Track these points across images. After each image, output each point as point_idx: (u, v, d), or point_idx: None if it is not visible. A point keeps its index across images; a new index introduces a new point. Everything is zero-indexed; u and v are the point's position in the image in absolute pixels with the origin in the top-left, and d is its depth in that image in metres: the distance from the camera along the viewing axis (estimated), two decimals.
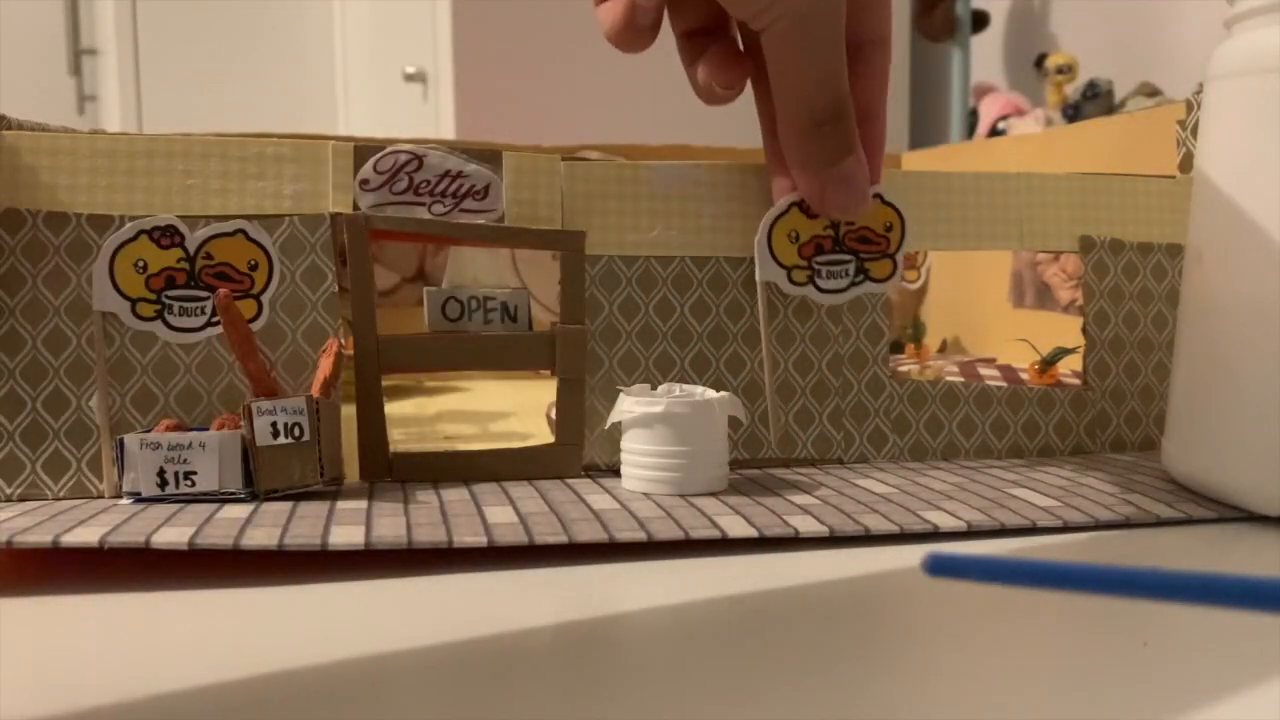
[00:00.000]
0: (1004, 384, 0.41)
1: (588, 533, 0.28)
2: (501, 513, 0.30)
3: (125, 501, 0.31)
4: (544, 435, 0.40)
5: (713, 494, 0.33)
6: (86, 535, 0.26)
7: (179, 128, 0.42)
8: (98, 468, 0.33)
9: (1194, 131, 0.44)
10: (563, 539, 0.28)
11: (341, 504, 0.31)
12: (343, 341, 0.35)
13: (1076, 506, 0.32)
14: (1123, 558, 0.28)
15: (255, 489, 0.31)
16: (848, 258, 0.38)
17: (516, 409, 0.52)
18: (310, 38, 2.77)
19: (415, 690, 0.20)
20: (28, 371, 0.33)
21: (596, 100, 1.73)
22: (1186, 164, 0.44)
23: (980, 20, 1.81)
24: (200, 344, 0.34)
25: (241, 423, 0.31)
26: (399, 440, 0.42)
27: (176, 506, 0.30)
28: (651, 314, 0.37)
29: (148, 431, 0.32)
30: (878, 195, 0.37)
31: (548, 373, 0.37)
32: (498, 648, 0.22)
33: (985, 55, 1.87)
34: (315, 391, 0.33)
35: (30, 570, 0.27)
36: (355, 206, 0.35)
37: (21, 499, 0.32)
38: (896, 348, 0.64)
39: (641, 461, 0.33)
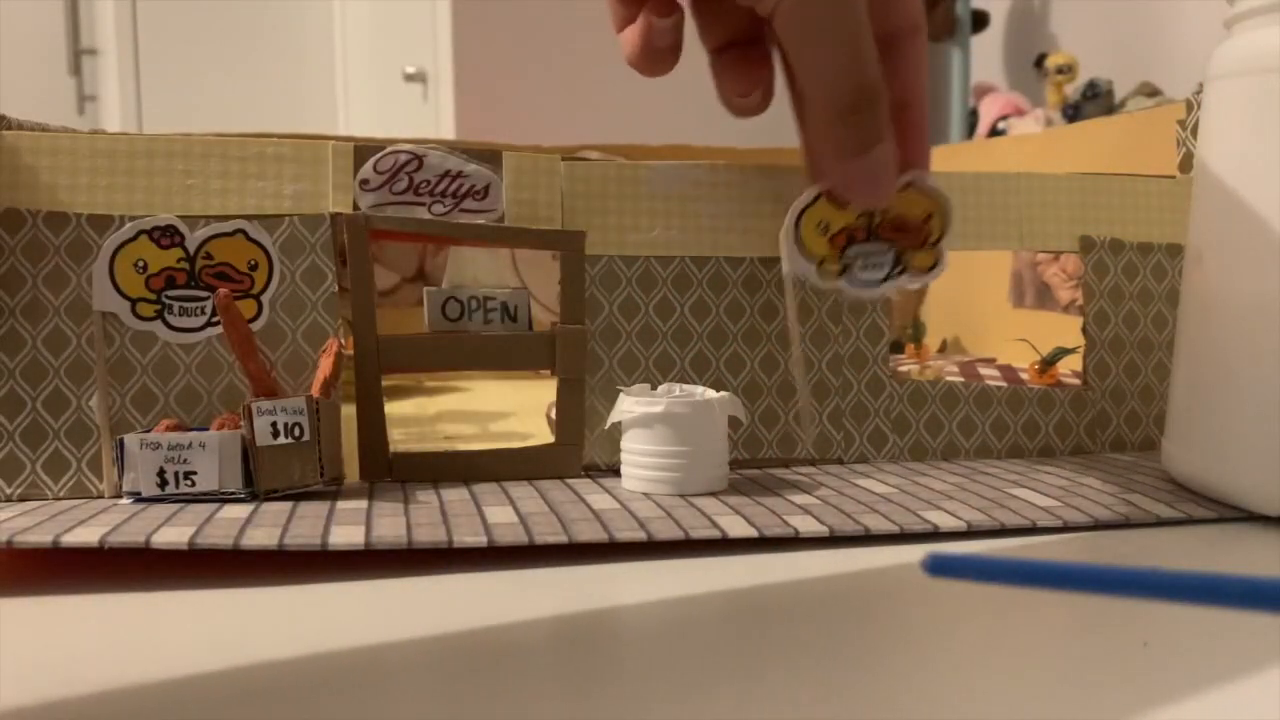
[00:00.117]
0: (1004, 384, 0.41)
1: (588, 533, 0.28)
2: (501, 513, 0.30)
3: (125, 501, 0.31)
4: (544, 435, 0.40)
5: (713, 494, 0.33)
6: (86, 535, 0.26)
7: (179, 128, 0.42)
8: (98, 468, 0.33)
9: (1194, 131, 0.44)
10: (563, 539, 0.28)
11: (341, 504, 0.31)
12: (343, 341, 0.35)
13: (1076, 506, 0.32)
14: (1123, 558, 0.28)
15: (255, 489, 0.31)
16: (885, 247, 0.36)
17: (516, 409, 0.52)
18: (310, 38, 2.77)
19: (415, 690, 0.20)
20: (28, 371, 0.33)
21: (596, 100, 1.73)
22: (1186, 164, 0.44)
23: (980, 20, 1.81)
24: (200, 344, 0.34)
25: (241, 423, 0.31)
26: (399, 440, 0.42)
27: (176, 506, 0.30)
28: (651, 314, 0.37)
29: (148, 431, 0.32)
30: (911, 183, 0.35)
31: (548, 373, 0.36)
32: (498, 647, 0.22)
33: (985, 55, 1.87)
34: (315, 391, 0.33)
35: (30, 570, 0.27)
36: (355, 206, 0.35)
37: (21, 499, 0.32)
38: (896, 348, 0.64)
39: (641, 461, 0.33)
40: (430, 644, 0.23)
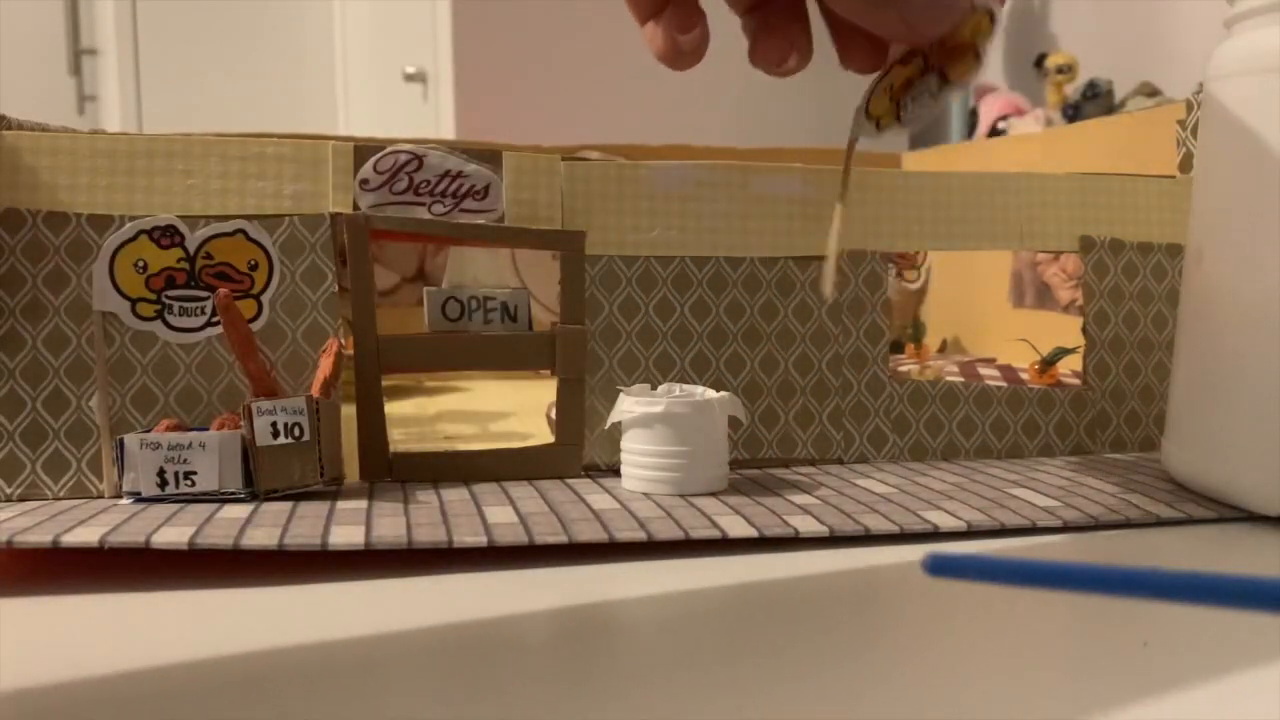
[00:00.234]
0: (1004, 384, 0.41)
1: (588, 533, 0.28)
2: (501, 513, 0.30)
3: (125, 501, 0.31)
4: (544, 435, 0.40)
5: (713, 494, 0.33)
6: (86, 535, 0.26)
7: (179, 128, 0.42)
8: (98, 468, 0.33)
9: (1194, 131, 0.44)
10: (563, 539, 0.28)
11: (341, 504, 0.31)
12: (343, 341, 0.35)
13: (1076, 506, 0.32)
14: (1123, 558, 0.28)
15: (255, 489, 0.31)
16: (932, 78, 0.34)
17: (516, 409, 0.52)
18: (310, 38, 2.77)
19: (416, 689, 0.20)
20: (28, 371, 0.33)
21: (596, 100, 1.73)
22: (1186, 164, 0.44)
23: None
24: (200, 344, 0.34)
25: (241, 423, 0.31)
26: (399, 440, 0.42)
27: (176, 506, 0.30)
28: (651, 314, 0.37)
29: (148, 431, 0.32)
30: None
31: (548, 373, 0.36)
32: (498, 647, 0.22)
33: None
34: (315, 391, 0.33)
35: (30, 570, 0.27)
36: (355, 206, 0.35)
37: (21, 499, 0.32)
38: (896, 348, 0.64)
39: (641, 461, 0.33)
40: (430, 644, 0.23)
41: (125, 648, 0.22)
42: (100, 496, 0.33)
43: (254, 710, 0.19)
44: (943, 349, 0.69)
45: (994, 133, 1.54)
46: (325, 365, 0.34)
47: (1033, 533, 0.31)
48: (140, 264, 0.33)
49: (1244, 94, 0.32)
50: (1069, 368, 0.49)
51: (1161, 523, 0.32)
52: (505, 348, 0.36)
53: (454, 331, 0.36)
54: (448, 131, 1.81)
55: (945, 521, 0.30)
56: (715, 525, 0.29)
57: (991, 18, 0.34)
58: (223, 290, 0.33)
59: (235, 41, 2.69)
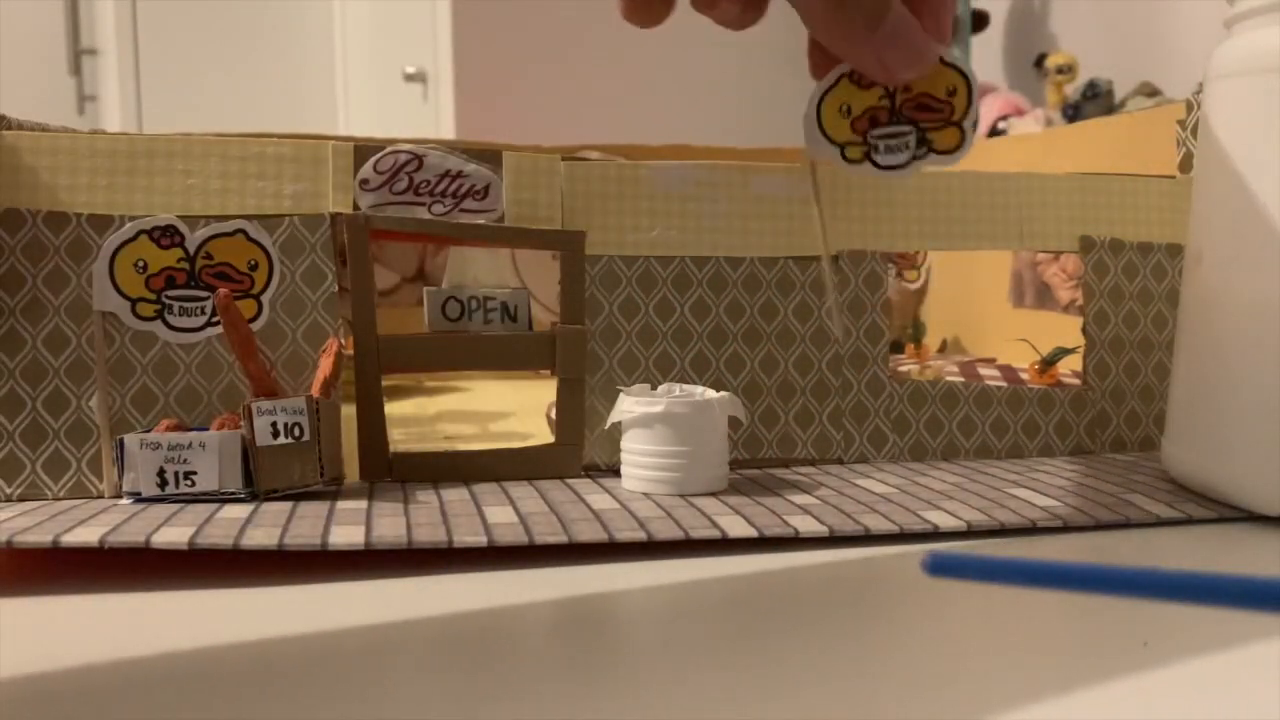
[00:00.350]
0: (1004, 384, 0.41)
1: (588, 533, 0.28)
2: (501, 513, 0.30)
3: (125, 501, 0.31)
4: (544, 435, 0.40)
5: (713, 494, 0.33)
6: (86, 535, 0.26)
7: (179, 128, 0.42)
8: (98, 468, 0.33)
9: (1194, 131, 0.44)
10: (563, 539, 0.28)
11: (341, 504, 0.31)
12: (343, 341, 0.35)
13: (1076, 506, 0.32)
14: (1123, 558, 0.28)
15: (255, 489, 0.31)
16: (907, 129, 0.35)
17: (516, 409, 0.52)
18: (310, 38, 2.77)
19: (415, 689, 0.20)
20: (28, 371, 0.33)
21: (596, 100, 1.73)
22: (1186, 164, 0.44)
23: (980, 20, 1.81)
24: (200, 344, 0.34)
25: (241, 423, 0.31)
26: (399, 440, 0.42)
27: (176, 506, 0.30)
28: (651, 314, 0.37)
29: (148, 431, 0.32)
30: (939, 59, 0.35)
31: (548, 373, 0.36)
32: (498, 647, 0.22)
33: (985, 55, 1.87)
34: (315, 391, 0.33)
35: (30, 570, 0.27)
36: (355, 206, 0.35)
37: (21, 499, 0.32)
38: (896, 348, 0.64)
39: (641, 461, 0.33)
40: (430, 643, 0.23)
41: (125, 648, 0.22)
42: (100, 496, 0.33)
43: (254, 710, 0.19)
44: (943, 349, 0.69)
45: (994, 133, 1.54)
46: (325, 365, 0.34)
47: (1033, 533, 0.31)
48: (140, 264, 0.33)
49: (1244, 94, 0.32)
50: (1069, 368, 0.49)
51: (1161, 523, 0.32)
52: (505, 348, 0.36)
53: (454, 331, 0.36)
54: (448, 131, 1.81)
55: (945, 521, 0.30)
56: (715, 525, 0.29)
57: (968, 80, 0.35)
58: (223, 290, 0.33)
59: (235, 41, 2.69)
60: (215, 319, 0.34)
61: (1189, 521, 0.32)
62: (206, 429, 0.32)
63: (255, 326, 0.34)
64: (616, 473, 0.35)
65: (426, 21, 1.93)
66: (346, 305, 0.35)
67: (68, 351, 0.33)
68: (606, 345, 0.37)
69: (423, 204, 0.35)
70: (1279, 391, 0.30)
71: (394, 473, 0.35)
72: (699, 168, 0.37)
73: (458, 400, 0.57)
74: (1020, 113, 1.56)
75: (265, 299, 0.34)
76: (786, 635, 0.23)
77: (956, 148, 0.35)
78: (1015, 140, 0.81)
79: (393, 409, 0.42)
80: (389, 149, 0.35)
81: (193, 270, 0.34)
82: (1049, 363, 0.50)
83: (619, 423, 0.34)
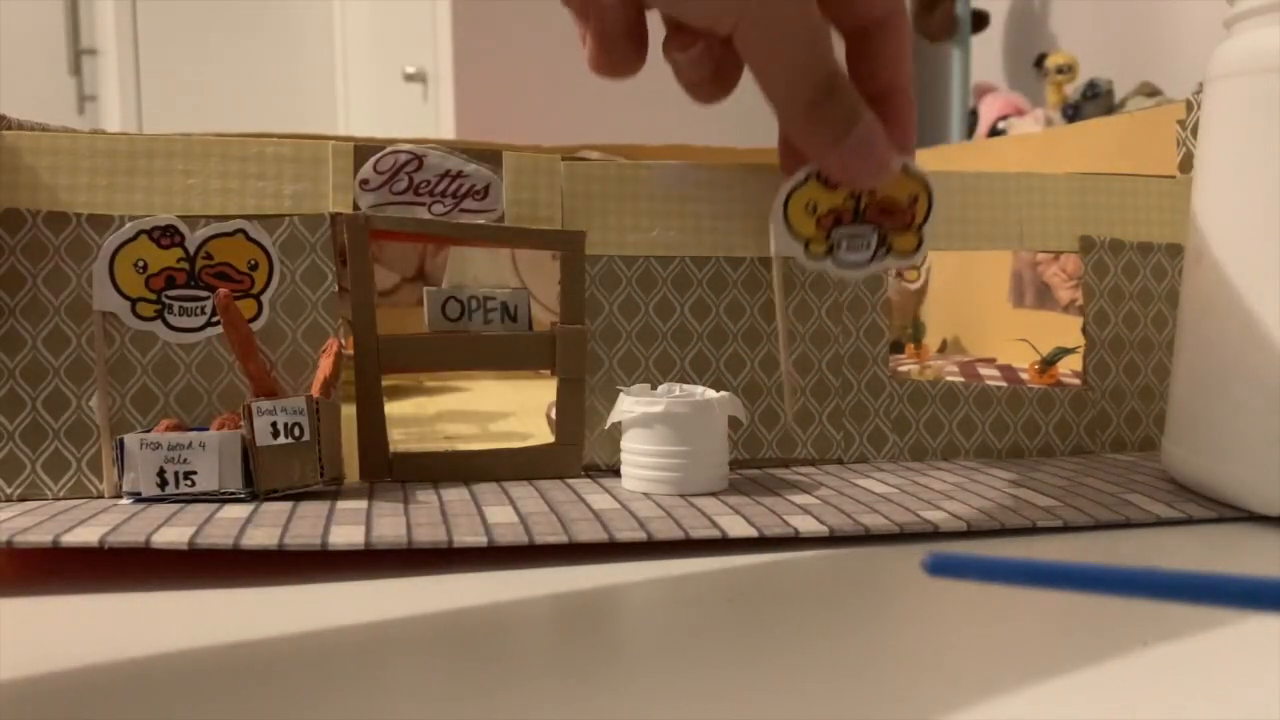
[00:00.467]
0: (1004, 384, 0.41)
1: (588, 533, 0.28)
2: (501, 513, 0.30)
3: (125, 501, 0.31)
4: (544, 435, 0.40)
5: (713, 494, 0.33)
6: (86, 535, 0.26)
7: (179, 128, 0.42)
8: (98, 468, 0.33)
9: (1194, 131, 0.44)
10: (563, 539, 0.28)
11: (341, 504, 0.31)
12: (343, 341, 0.35)
13: (1076, 506, 0.32)
14: (1123, 558, 0.28)
15: (255, 489, 0.31)
16: (869, 229, 0.36)
17: (516, 409, 0.52)
18: (310, 38, 2.77)
19: (415, 689, 0.20)
20: (28, 371, 0.33)
21: (596, 100, 1.73)
22: (1186, 164, 0.44)
23: (980, 20, 1.81)
24: (200, 344, 0.34)
25: (241, 422, 0.31)
26: (399, 440, 0.42)
27: (176, 506, 0.30)
28: (651, 314, 0.37)
29: (148, 431, 0.32)
30: (904, 167, 0.36)
31: (548, 373, 0.36)
32: (498, 647, 0.22)
33: (985, 55, 1.87)
34: (315, 391, 0.33)
35: (30, 570, 0.27)
36: (355, 206, 0.35)
37: (21, 499, 0.32)
38: (896, 348, 0.64)
39: (641, 461, 0.33)
40: (430, 643, 0.23)
41: (125, 648, 0.22)
42: (100, 496, 0.33)
43: (254, 710, 0.19)
44: (943, 349, 0.69)
45: (994, 133, 1.54)
46: (325, 365, 0.34)
47: (1033, 533, 0.31)
48: (140, 264, 0.33)
49: (1244, 94, 0.32)
50: (1069, 368, 0.49)
51: (1161, 523, 0.32)
52: (505, 348, 0.36)
53: (454, 331, 0.36)
54: (448, 131, 1.81)
55: (945, 521, 0.30)
56: (715, 525, 0.29)
57: (928, 190, 0.37)
58: (223, 290, 0.33)
59: (235, 41, 2.69)
60: (215, 319, 0.34)
61: (1189, 521, 0.32)
62: (206, 429, 0.32)
63: (255, 326, 0.34)
64: (616, 473, 0.35)
65: (426, 21, 1.93)
66: (346, 305, 0.35)
67: (68, 351, 0.33)
68: (606, 345, 0.37)
69: (423, 204, 0.35)
70: (1279, 391, 0.30)
71: (394, 473, 0.35)
72: (699, 168, 0.37)
73: (458, 400, 0.57)
74: (1020, 113, 1.56)
75: (265, 299, 0.34)
76: (786, 635, 0.23)
77: (914, 251, 0.37)
78: (1015, 140, 0.81)
79: (393, 409, 0.42)
80: (389, 149, 0.35)
81: (193, 270, 0.34)
82: (1049, 363, 0.50)
83: (619, 423, 0.34)
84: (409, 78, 2.04)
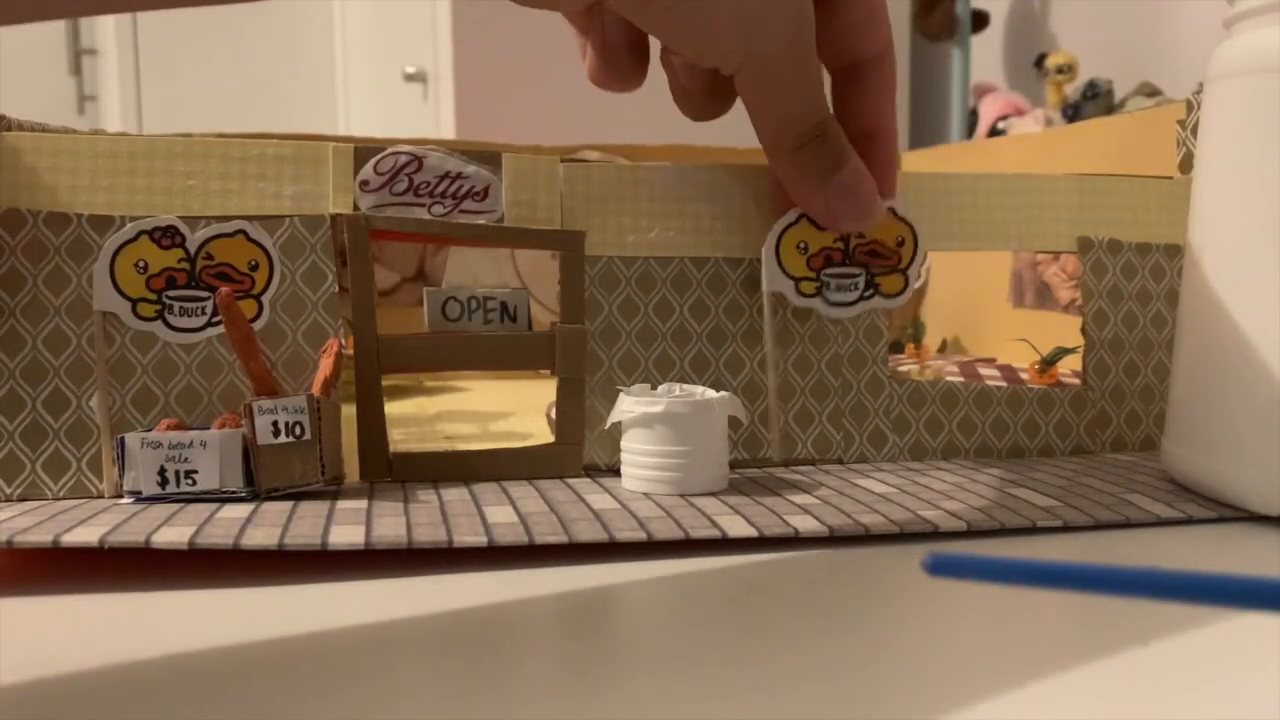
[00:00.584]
0: (1004, 384, 0.41)
1: (588, 533, 0.29)
2: (501, 512, 0.30)
3: (126, 501, 0.31)
4: (544, 435, 0.40)
5: (713, 494, 0.33)
6: (86, 535, 0.26)
7: (179, 128, 0.42)
8: (98, 467, 0.33)
9: (1194, 131, 0.44)
10: (563, 539, 0.28)
11: (341, 504, 0.31)
12: (343, 341, 0.35)
13: (1076, 506, 0.32)
14: (1123, 558, 0.29)
15: (256, 488, 0.31)
16: (857, 271, 0.37)
17: (516, 409, 0.53)
18: (310, 38, 2.77)
19: (415, 690, 0.20)
20: (28, 371, 0.33)
21: (596, 100, 1.73)
22: (1186, 164, 0.44)
23: (980, 20, 1.81)
24: (201, 344, 0.34)
25: (242, 421, 0.31)
26: (399, 440, 0.42)
27: (177, 506, 0.30)
28: (651, 314, 0.37)
29: (148, 431, 0.32)
30: (890, 210, 0.37)
31: (548, 373, 0.37)
32: (497, 647, 0.22)
33: (985, 55, 1.87)
34: (315, 391, 0.33)
35: (30, 570, 0.27)
36: (355, 207, 0.35)
37: (21, 499, 0.32)
38: (896, 348, 0.64)
39: (641, 461, 0.33)
40: (430, 643, 0.23)
41: (125, 648, 0.22)
42: (100, 496, 0.33)
43: (254, 710, 0.19)
44: (943, 349, 0.69)
45: (994, 133, 1.54)
46: (325, 365, 0.34)
47: (1033, 533, 0.31)
48: (141, 264, 0.33)
49: (1244, 94, 0.32)
50: (1069, 368, 0.49)
51: (1161, 523, 0.32)
52: (505, 348, 0.36)
53: (454, 331, 0.36)
54: (448, 131, 1.81)
55: (945, 521, 0.30)
56: (715, 525, 0.29)
57: (914, 234, 0.38)
58: (224, 289, 0.33)
59: (235, 41, 2.69)
60: (216, 319, 0.34)
61: (1189, 521, 0.32)
62: (207, 429, 0.32)
63: (256, 327, 0.34)
64: (616, 473, 0.35)
65: (426, 21, 1.93)
66: (346, 305, 0.35)
67: (68, 351, 0.33)
68: (606, 345, 0.37)
69: (423, 205, 0.35)
70: (1279, 391, 0.30)
71: (394, 473, 0.35)
72: (699, 169, 0.37)
73: (458, 400, 0.57)
74: (1020, 113, 1.56)
75: (265, 299, 0.34)
76: (786, 635, 0.23)
77: (900, 292, 0.38)
78: (1015, 140, 0.81)
79: (393, 409, 0.42)
80: (389, 150, 0.35)
81: (193, 270, 0.34)
82: (1049, 363, 0.50)
83: (619, 423, 0.34)
84: (409, 78, 2.04)
